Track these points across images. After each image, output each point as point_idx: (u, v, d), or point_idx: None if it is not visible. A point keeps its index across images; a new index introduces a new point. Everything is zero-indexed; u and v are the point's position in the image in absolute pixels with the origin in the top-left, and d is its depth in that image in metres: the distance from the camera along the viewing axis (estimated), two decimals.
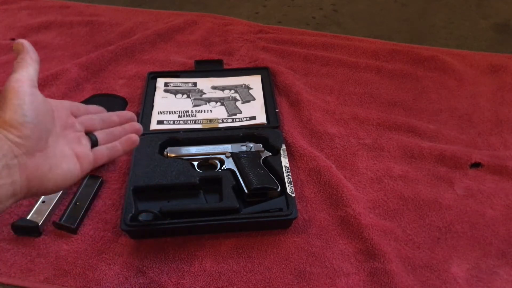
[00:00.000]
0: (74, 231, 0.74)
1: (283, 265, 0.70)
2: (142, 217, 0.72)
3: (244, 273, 0.70)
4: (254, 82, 1.03)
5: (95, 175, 0.83)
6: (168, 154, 0.83)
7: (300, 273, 0.69)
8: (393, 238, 0.74)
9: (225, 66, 1.11)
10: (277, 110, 0.95)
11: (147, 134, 0.87)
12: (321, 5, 1.39)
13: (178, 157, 0.82)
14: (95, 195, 0.80)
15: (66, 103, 0.61)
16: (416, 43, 1.20)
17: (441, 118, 0.98)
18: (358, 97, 1.03)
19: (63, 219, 0.75)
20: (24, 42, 0.54)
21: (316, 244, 0.73)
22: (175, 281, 0.69)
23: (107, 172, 0.85)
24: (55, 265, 0.70)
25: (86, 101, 0.96)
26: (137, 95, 1.02)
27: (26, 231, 0.74)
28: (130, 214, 0.72)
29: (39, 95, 0.52)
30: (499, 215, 0.78)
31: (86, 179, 0.82)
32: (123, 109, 0.96)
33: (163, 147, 0.85)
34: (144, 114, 0.93)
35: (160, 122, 0.92)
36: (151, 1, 1.41)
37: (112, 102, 0.97)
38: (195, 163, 0.82)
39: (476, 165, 0.87)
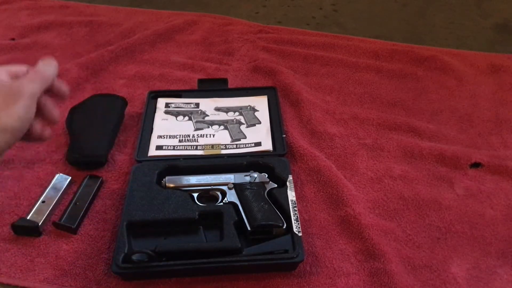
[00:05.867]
0: (74, 231, 0.74)
1: None
2: (135, 256, 0.67)
3: None
4: (260, 104, 0.97)
5: (95, 175, 0.83)
6: (167, 184, 0.78)
7: None
8: (393, 238, 0.74)
9: (225, 66, 1.11)
10: (284, 135, 0.90)
11: (145, 162, 0.83)
12: (321, 5, 1.39)
13: (177, 188, 0.78)
14: (95, 195, 0.80)
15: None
16: (416, 43, 1.20)
17: (441, 118, 0.98)
18: (358, 97, 1.03)
19: (63, 219, 0.75)
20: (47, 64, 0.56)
21: (316, 244, 0.73)
22: None
23: (107, 172, 0.85)
24: (55, 265, 0.70)
25: (86, 101, 0.96)
26: (137, 95, 1.02)
27: (26, 231, 0.74)
28: (123, 254, 0.67)
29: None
30: (499, 215, 0.78)
31: (86, 179, 0.82)
32: (123, 109, 0.96)
33: (161, 175, 0.80)
34: (143, 138, 0.88)
35: (159, 147, 0.87)
36: (151, 1, 1.41)
37: (112, 102, 0.97)
38: (195, 195, 0.77)
39: (476, 165, 0.87)
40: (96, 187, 0.81)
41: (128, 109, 0.97)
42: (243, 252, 0.69)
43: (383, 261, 0.70)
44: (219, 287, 0.68)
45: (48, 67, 0.56)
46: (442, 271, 0.70)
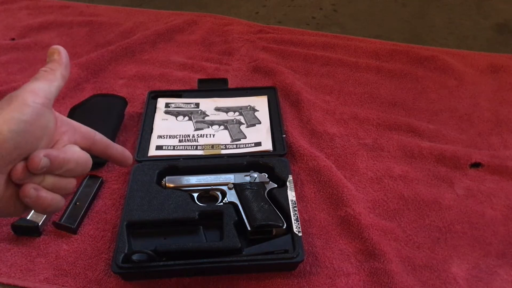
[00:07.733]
0: (74, 231, 0.74)
1: None
2: (135, 256, 0.67)
3: None
4: (260, 104, 0.97)
5: (95, 175, 0.83)
6: (167, 184, 0.78)
7: None
8: (393, 238, 0.74)
9: (225, 66, 1.11)
10: (284, 135, 0.90)
11: (144, 161, 0.83)
12: (321, 5, 1.39)
13: (177, 188, 0.78)
14: (95, 195, 0.80)
15: (88, 134, 0.51)
16: (416, 43, 1.20)
17: (441, 118, 0.98)
18: (358, 97, 1.03)
19: (63, 219, 0.75)
20: (62, 51, 0.48)
21: (316, 244, 0.73)
22: None
23: (107, 172, 0.85)
24: (55, 265, 0.70)
25: (86, 101, 0.96)
26: (137, 95, 1.02)
27: (26, 231, 0.74)
28: (123, 254, 0.67)
29: (46, 119, 0.44)
30: (499, 215, 0.78)
31: (86, 179, 0.82)
32: (123, 109, 0.96)
33: (161, 175, 0.80)
34: (143, 138, 0.88)
35: (159, 147, 0.87)
36: (151, 1, 1.41)
37: (112, 102, 0.97)
38: (195, 195, 0.77)
39: (476, 165, 0.87)
40: (96, 187, 0.81)
41: (128, 109, 0.97)
42: (243, 252, 0.69)
43: (383, 261, 0.70)
44: (219, 287, 0.68)
45: (61, 59, 0.47)
46: (442, 271, 0.70)
